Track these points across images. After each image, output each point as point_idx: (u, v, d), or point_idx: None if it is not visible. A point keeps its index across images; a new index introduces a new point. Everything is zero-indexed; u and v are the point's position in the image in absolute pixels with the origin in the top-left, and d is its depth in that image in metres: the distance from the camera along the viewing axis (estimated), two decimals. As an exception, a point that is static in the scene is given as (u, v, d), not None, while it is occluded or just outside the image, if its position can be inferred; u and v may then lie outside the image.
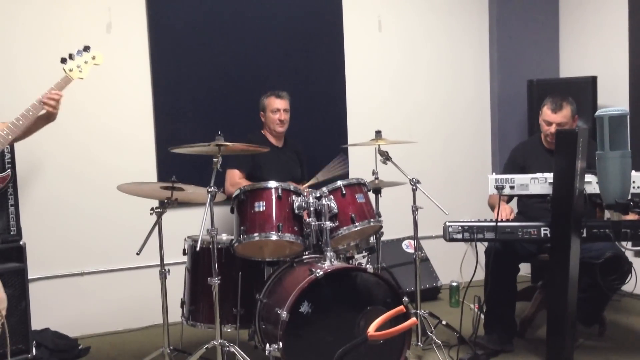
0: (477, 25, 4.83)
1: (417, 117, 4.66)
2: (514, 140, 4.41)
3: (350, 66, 4.43)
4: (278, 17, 4.20)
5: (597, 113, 2.02)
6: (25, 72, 3.57)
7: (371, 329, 1.33)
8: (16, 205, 3.18)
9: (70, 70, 2.71)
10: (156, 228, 2.96)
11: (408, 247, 4.44)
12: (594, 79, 4.24)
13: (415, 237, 3.34)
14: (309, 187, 3.58)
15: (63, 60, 2.72)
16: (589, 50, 4.63)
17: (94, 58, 2.80)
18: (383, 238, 3.53)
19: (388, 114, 4.52)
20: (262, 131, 3.83)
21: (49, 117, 2.65)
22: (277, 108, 3.72)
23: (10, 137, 2.52)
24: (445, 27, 4.74)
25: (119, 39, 3.85)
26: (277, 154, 3.77)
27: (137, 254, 2.79)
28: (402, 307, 1.50)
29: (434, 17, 4.71)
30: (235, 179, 3.60)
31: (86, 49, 2.78)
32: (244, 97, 4.04)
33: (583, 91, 4.18)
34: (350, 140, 4.35)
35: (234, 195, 2.99)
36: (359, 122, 4.41)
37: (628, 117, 1.95)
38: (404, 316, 1.58)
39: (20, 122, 2.53)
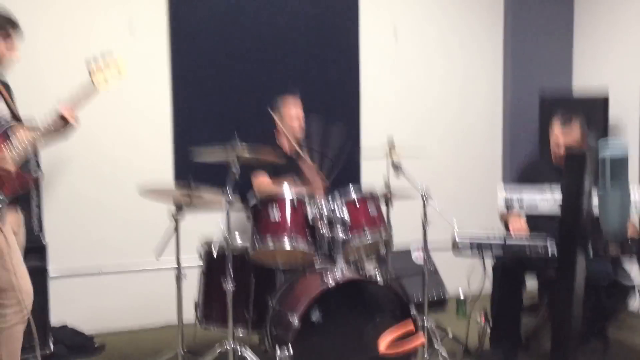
0: (491, 38, 4.87)
1: (430, 126, 4.71)
2: (524, 153, 4.46)
3: (365, 72, 4.51)
4: (296, 23, 4.29)
5: (600, 154, 2.10)
6: (51, 73, 3.67)
7: (382, 346, 1.40)
8: (40, 205, 3.29)
9: (98, 83, 2.77)
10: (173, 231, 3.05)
11: (417, 257, 4.50)
12: (605, 98, 4.28)
13: (425, 250, 3.40)
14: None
15: (88, 68, 2.77)
16: (602, 65, 4.66)
17: (119, 72, 2.83)
18: (393, 248, 3.59)
19: (401, 122, 4.59)
20: (277, 138, 3.87)
21: (65, 127, 2.63)
22: (297, 115, 3.78)
23: (29, 150, 2.60)
24: (460, 39, 4.80)
25: (141, 41, 3.93)
26: (294, 160, 3.82)
27: (157, 259, 2.89)
28: (411, 326, 1.57)
29: (449, 28, 4.76)
30: (265, 183, 3.62)
31: (110, 55, 2.83)
32: (262, 100, 4.03)
33: (595, 108, 4.23)
34: (363, 146, 4.42)
35: (250, 204, 3.08)
36: (372, 129, 4.49)
37: (628, 159, 2.03)
38: (412, 332, 1.66)
39: (41, 138, 2.59)
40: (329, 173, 3.79)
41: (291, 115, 3.78)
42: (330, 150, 3.90)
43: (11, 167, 2.50)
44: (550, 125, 3.41)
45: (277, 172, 3.69)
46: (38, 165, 3.23)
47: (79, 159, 3.82)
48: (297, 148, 3.81)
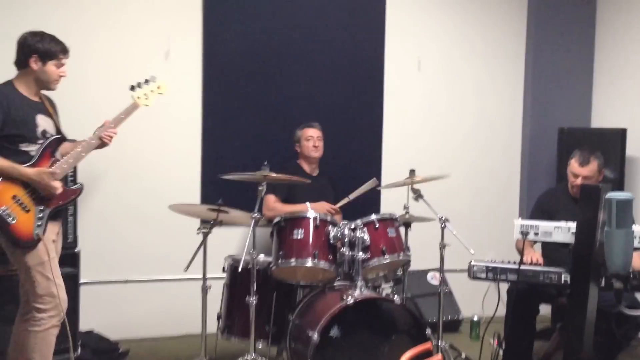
0: (512, 72, 4.96)
1: (450, 156, 4.79)
2: (542, 185, 4.51)
3: (388, 103, 4.63)
4: (324, 54, 4.44)
5: (607, 196, 2.25)
6: (94, 93, 3.84)
7: (402, 361, 1.52)
8: (75, 215, 3.46)
9: (138, 98, 2.96)
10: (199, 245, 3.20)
11: (433, 278, 4.59)
12: (623, 131, 4.37)
13: (441, 272, 3.50)
14: (342, 206, 3.84)
15: (132, 88, 2.97)
16: (621, 101, 4.73)
17: (159, 87, 3.06)
18: (409, 268, 3.69)
19: (422, 152, 4.68)
20: (297, 161, 4.07)
21: (102, 145, 2.87)
22: (311, 136, 4.01)
23: (73, 165, 2.83)
24: (481, 73, 4.89)
25: (176, 66, 4.11)
26: (312, 182, 3.98)
27: (185, 270, 3.04)
28: (430, 345, 1.69)
29: (472, 63, 4.86)
30: (271, 204, 3.82)
31: (152, 79, 3.04)
32: (288, 128, 4.21)
33: (612, 142, 4.31)
34: (384, 175, 4.53)
35: (274, 222, 3.22)
36: (394, 158, 4.60)
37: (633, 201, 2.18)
38: (429, 352, 1.77)
39: (83, 154, 2.80)
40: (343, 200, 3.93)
41: (307, 135, 4.00)
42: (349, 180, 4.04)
43: (59, 184, 2.68)
44: (569, 156, 3.49)
45: (291, 195, 3.84)
46: (74, 178, 3.39)
47: (113, 174, 3.97)
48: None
